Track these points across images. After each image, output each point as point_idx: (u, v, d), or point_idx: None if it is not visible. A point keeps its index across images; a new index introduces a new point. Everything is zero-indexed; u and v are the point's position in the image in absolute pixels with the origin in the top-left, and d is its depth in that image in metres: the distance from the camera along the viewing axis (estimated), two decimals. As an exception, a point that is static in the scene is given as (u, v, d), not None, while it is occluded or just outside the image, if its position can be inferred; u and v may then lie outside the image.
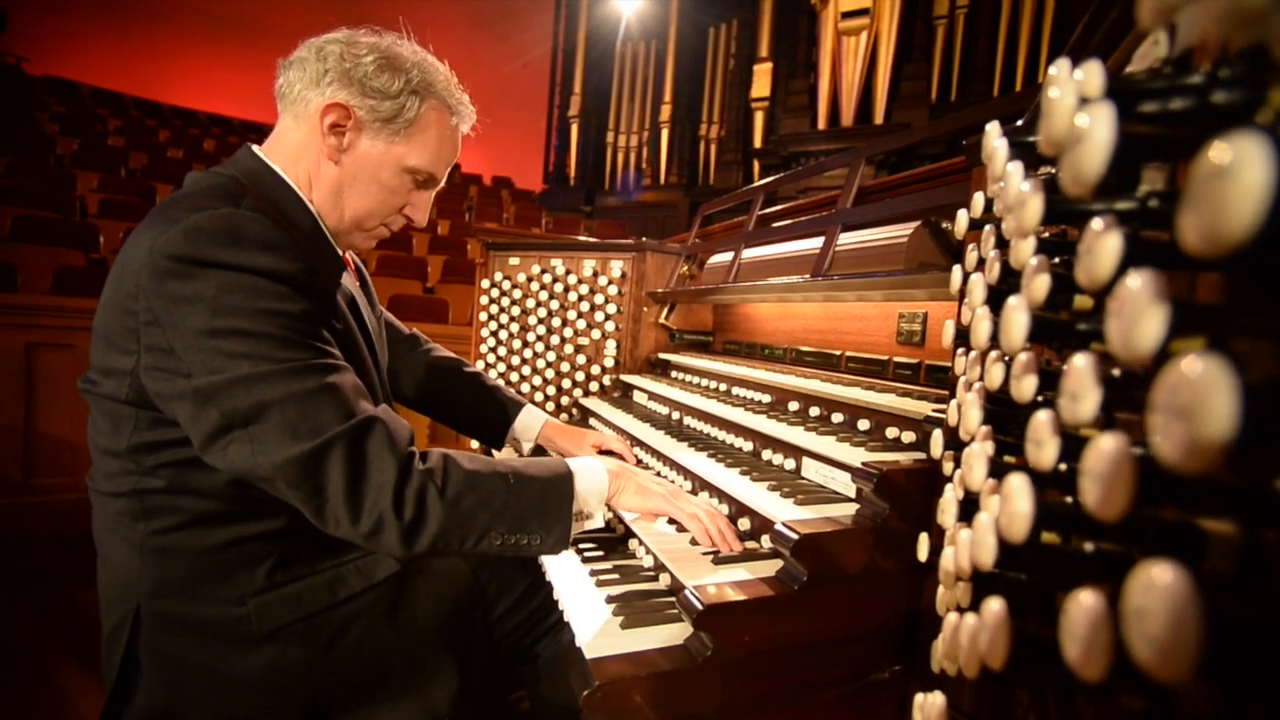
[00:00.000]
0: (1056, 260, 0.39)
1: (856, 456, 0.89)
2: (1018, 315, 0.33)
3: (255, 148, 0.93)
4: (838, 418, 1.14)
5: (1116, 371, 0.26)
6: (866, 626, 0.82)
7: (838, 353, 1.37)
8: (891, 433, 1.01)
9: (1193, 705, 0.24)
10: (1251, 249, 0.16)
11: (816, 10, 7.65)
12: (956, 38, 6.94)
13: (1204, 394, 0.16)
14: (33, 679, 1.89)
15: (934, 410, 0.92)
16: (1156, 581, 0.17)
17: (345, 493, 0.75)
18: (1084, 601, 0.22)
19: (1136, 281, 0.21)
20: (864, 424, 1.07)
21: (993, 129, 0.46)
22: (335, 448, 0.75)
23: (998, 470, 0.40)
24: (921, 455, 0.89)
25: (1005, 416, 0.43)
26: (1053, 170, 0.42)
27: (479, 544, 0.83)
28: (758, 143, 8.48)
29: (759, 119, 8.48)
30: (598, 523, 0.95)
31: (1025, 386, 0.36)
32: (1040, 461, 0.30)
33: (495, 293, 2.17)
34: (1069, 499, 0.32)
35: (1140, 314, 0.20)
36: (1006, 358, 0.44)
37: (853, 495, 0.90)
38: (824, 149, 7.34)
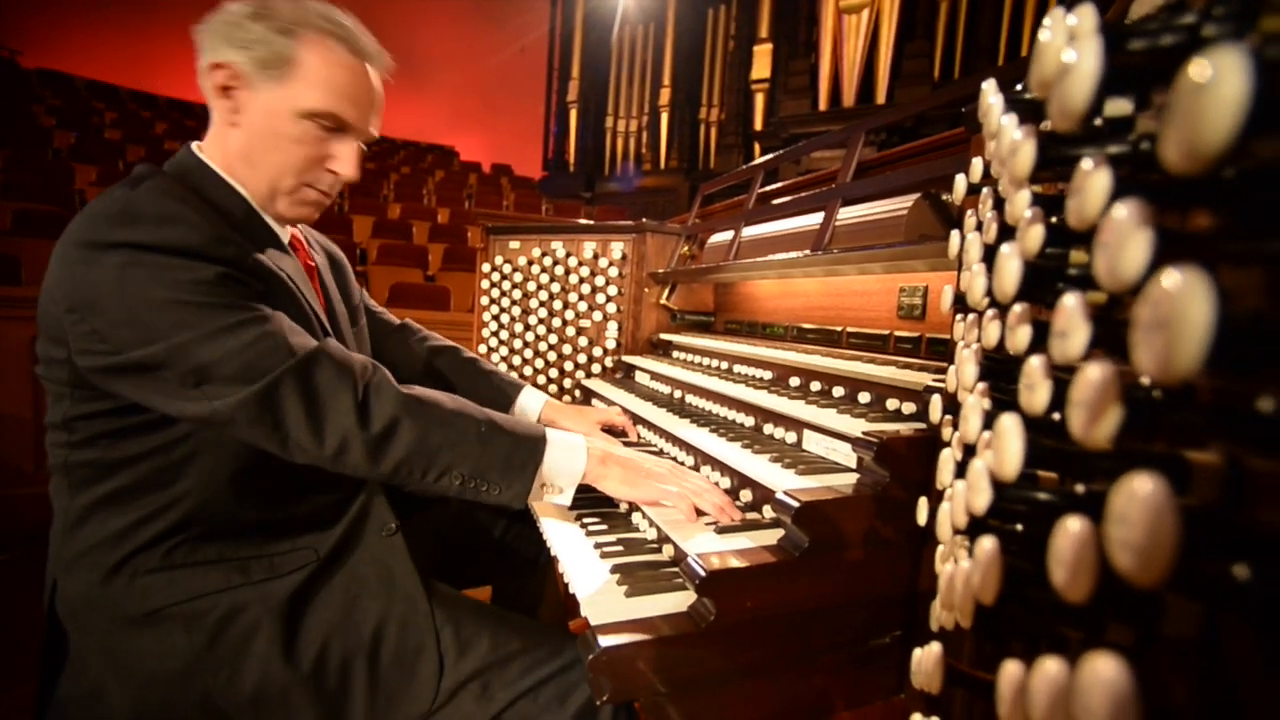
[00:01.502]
0: (1053, 220, 0.39)
1: (857, 427, 0.90)
2: (1011, 263, 0.33)
3: (193, 144, 0.95)
4: (839, 391, 1.14)
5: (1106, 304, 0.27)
6: (867, 593, 0.83)
7: (839, 329, 1.38)
8: (892, 404, 1.01)
9: (1175, 627, 0.24)
10: (1230, 158, 0.16)
11: (817, -12, 7.53)
12: (960, 15, 6.83)
13: (1182, 303, 0.16)
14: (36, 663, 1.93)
15: (934, 380, 0.92)
16: (1137, 490, 0.18)
17: (305, 420, 0.78)
18: (1070, 526, 0.23)
19: (1122, 210, 0.22)
20: (865, 397, 1.08)
21: (988, 86, 0.46)
22: (285, 382, 0.78)
23: (993, 422, 0.41)
24: (922, 425, 0.90)
25: (1001, 372, 0.44)
26: (1048, 125, 0.42)
27: (440, 480, 0.85)
28: (758, 125, 8.40)
29: (759, 101, 8.40)
30: (565, 500, 0.97)
31: (1020, 337, 0.37)
32: (1033, 405, 0.31)
33: (496, 276, 2.17)
34: (1062, 448, 0.32)
35: (1126, 240, 0.21)
36: (1002, 315, 0.44)
37: (854, 465, 0.91)
38: (825, 130, 7.27)
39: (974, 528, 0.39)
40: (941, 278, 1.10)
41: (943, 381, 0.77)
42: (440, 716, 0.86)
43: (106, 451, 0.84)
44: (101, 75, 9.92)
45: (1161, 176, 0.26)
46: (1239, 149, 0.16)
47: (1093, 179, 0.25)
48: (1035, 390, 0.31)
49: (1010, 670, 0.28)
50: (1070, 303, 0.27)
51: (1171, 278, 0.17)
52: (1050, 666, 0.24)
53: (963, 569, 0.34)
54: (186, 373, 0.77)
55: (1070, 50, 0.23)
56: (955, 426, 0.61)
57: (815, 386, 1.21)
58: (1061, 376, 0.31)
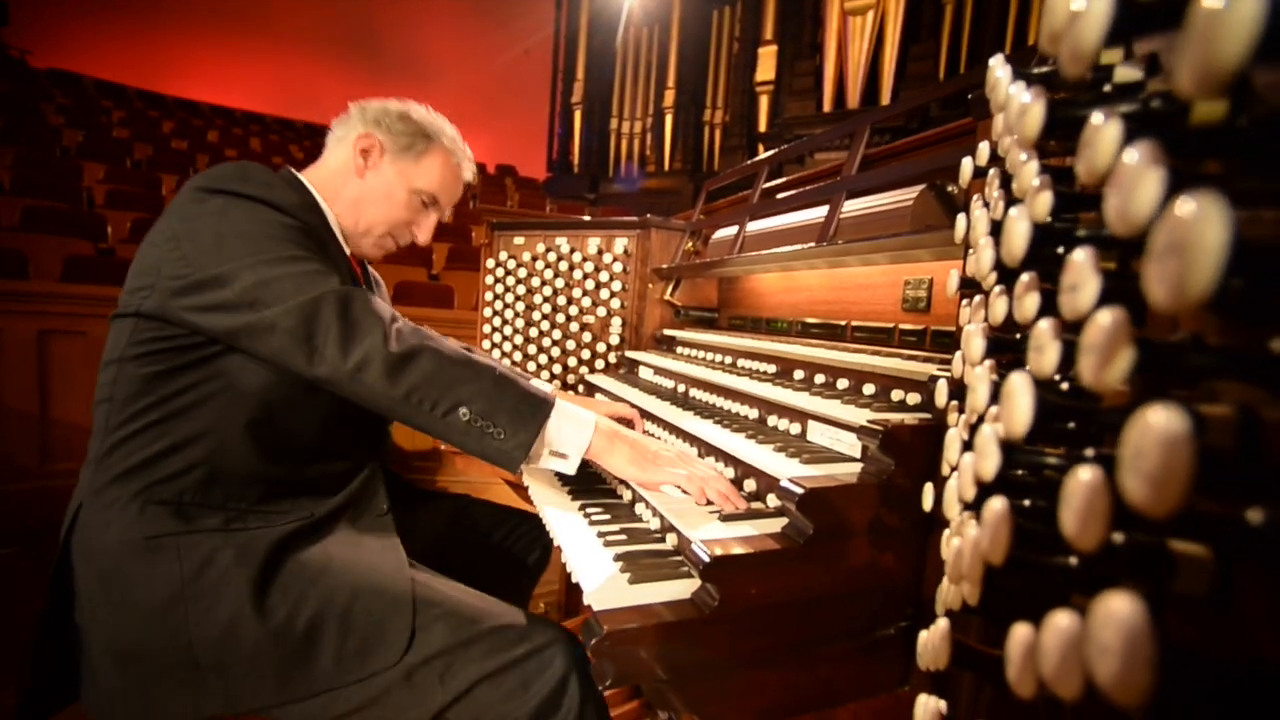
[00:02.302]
0: (1061, 189, 0.39)
1: (862, 417, 0.90)
2: (1020, 224, 0.33)
3: (290, 170, 1.13)
4: (843, 383, 1.14)
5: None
6: (872, 583, 0.83)
7: (843, 323, 1.37)
8: (897, 395, 1.01)
9: (1186, 584, 0.24)
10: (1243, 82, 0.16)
11: (822, -10, 7.53)
12: (965, 17, 6.83)
13: (1196, 226, 0.16)
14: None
15: (939, 370, 0.92)
16: (1153, 424, 0.17)
17: (338, 333, 0.87)
18: (1082, 475, 0.23)
19: (1133, 154, 0.22)
20: (869, 388, 1.07)
21: (996, 61, 0.46)
22: (327, 299, 0.89)
23: (1000, 392, 0.40)
24: (927, 415, 0.90)
25: (1007, 346, 0.43)
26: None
27: (450, 412, 0.90)
28: (763, 127, 8.40)
29: (764, 103, 8.40)
30: (570, 468, 0.99)
31: (1027, 305, 0.36)
32: (1042, 366, 0.31)
33: (500, 272, 2.18)
34: (1071, 406, 0.32)
35: (1137, 180, 0.20)
36: (1009, 290, 0.44)
37: (858, 455, 0.91)
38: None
39: (981, 499, 0.39)
40: (946, 268, 1.10)
41: (948, 371, 0.77)
42: (401, 691, 0.86)
43: (145, 388, 0.93)
44: (110, 75, 10.00)
45: (1172, 128, 0.26)
46: (1252, 70, 0.16)
47: (1104, 130, 0.25)
48: (1044, 352, 0.31)
49: (1020, 632, 0.28)
50: (1080, 257, 0.27)
51: (1186, 205, 0.17)
52: (1061, 619, 0.24)
53: (971, 536, 0.33)
54: (245, 288, 0.88)
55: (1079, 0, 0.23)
56: (961, 410, 0.61)
57: (819, 379, 1.20)
58: (1069, 339, 0.31)
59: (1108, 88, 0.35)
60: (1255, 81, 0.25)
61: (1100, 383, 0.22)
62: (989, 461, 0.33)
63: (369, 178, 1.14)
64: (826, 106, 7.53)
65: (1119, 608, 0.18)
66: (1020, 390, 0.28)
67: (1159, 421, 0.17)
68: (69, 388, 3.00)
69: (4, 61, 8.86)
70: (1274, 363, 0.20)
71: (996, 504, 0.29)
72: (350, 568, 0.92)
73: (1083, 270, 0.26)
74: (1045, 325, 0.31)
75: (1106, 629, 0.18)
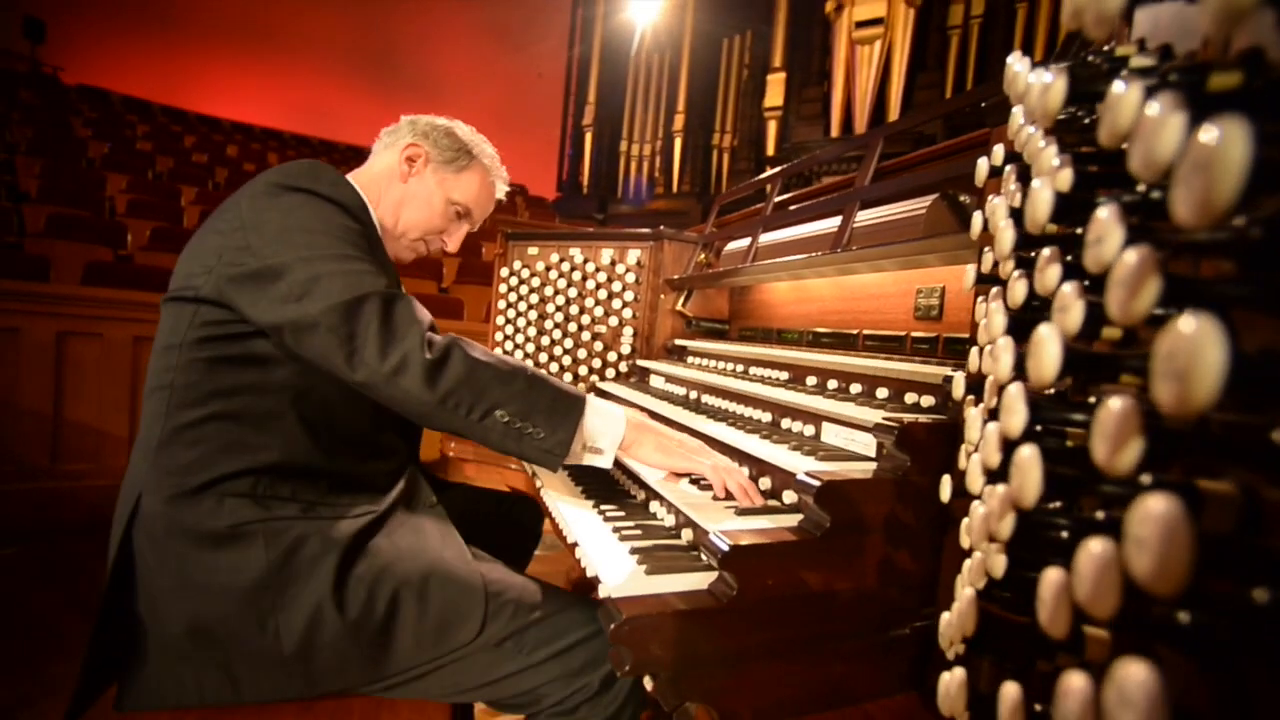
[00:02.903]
0: (1080, 168, 0.41)
1: (876, 416, 0.91)
2: (1043, 193, 0.35)
3: (332, 169, 1.17)
4: (856, 388, 1.15)
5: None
6: (888, 580, 0.83)
7: (854, 332, 1.39)
8: (910, 398, 1.02)
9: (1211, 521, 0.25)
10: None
11: (830, 20, 7.72)
12: (971, 47, 6.97)
13: (1221, 145, 0.18)
14: (55, 656, 1.93)
15: (953, 371, 0.93)
16: (1183, 329, 0.19)
17: (377, 335, 0.89)
18: (1113, 403, 0.24)
19: (1155, 105, 0.24)
20: (882, 392, 1.09)
21: (1014, 58, 0.49)
22: (371, 300, 0.90)
23: (1023, 367, 0.42)
24: (942, 416, 0.91)
25: (1028, 323, 0.45)
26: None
27: (487, 416, 0.92)
28: (771, 151, 8.53)
29: (772, 128, 8.55)
30: (606, 462, 1.01)
31: (1050, 276, 0.38)
32: (1066, 324, 0.32)
33: (514, 281, 2.21)
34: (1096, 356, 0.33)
35: (1161, 126, 0.22)
36: (1028, 274, 0.46)
37: (873, 455, 0.92)
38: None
39: (1006, 465, 0.40)
40: (958, 275, 1.12)
41: (964, 371, 0.78)
42: (477, 660, 0.91)
43: (207, 376, 0.94)
44: (136, 91, 10.29)
45: (1191, 94, 0.28)
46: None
47: (1127, 94, 0.27)
48: (1069, 311, 0.32)
49: (1051, 575, 0.29)
50: (1105, 212, 0.28)
51: (1209, 131, 0.19)
52: (1095, 543, 0.25)
53: (999, 490, 0.35)
54: (298, 281, 0.90)
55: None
56: (978, 404, 0.62)
57: (832, 385, 1.22)
58: (1092, 300, 0.33)
59: (1124, 73, 0.37)
60: (1268, 54, 0.28)
61: (1129, 315, 0.24)
62: (1016, 418, 0.34)
63: (412, 183, 1.20)
64: (834, 131, 7.66)
65: (1155, 505, 0.19)
66: (1049, 339, 0.30)
67: (1189, 327, 0.19)
68: (82, 389, 3.03)
69: (37, 78, 9.16)
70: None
71: (1026, 450, 0.31)
72: (419, 555, 0.96)
73: (1108, 223, 0.28)
74: (1069, 288, 0.33)
75: (1145, 525, 0.19)
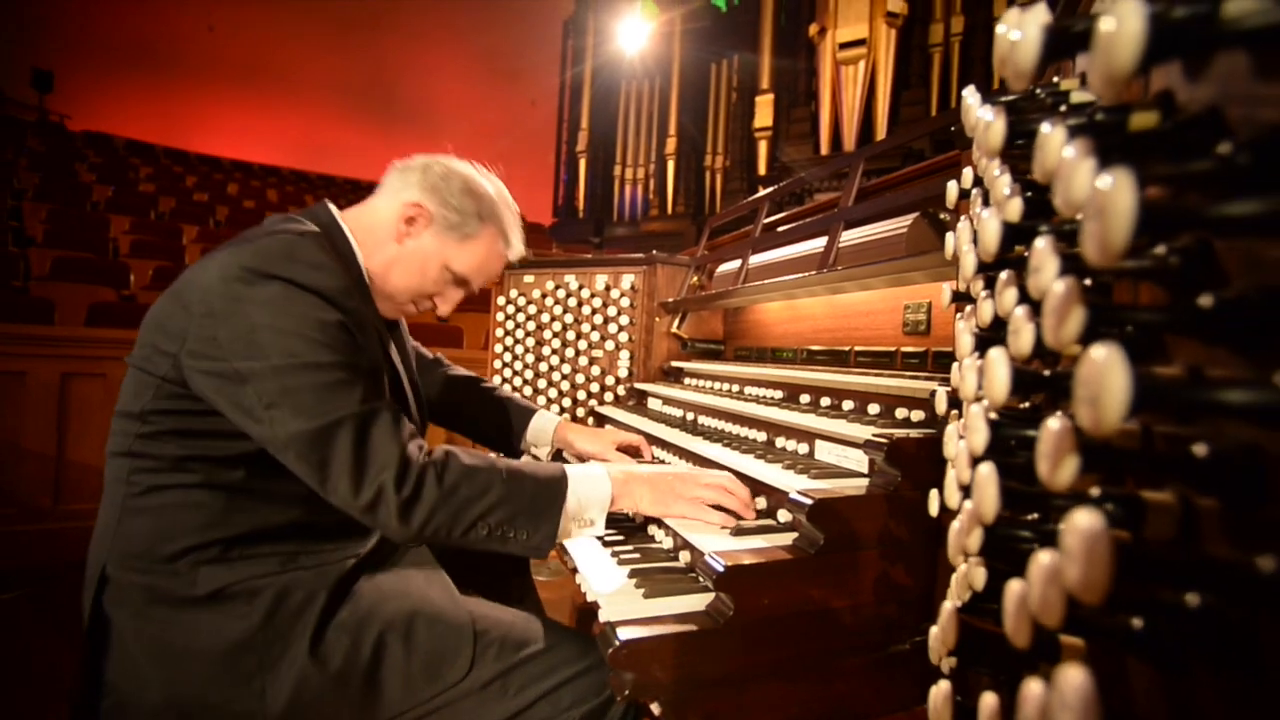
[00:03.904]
0: (1029, 195, 0.44)
1: (867, 432, 0.92)
2: (991, 224, 0.38)
3: (331, 205, 1.10)
4: (848, 405, 1.17)
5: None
6: (886, 595, 0.84)
7: (847, 349, 1.41)
8: (901, 413, 1.04)
9: (1153, 529, 0.27)
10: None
11: (815, 43, 7.91)
12: (953, 64, 7.12)
13: (1111, 194, 0.20)
14: (58, 699, 1.91)
15: (940, 386, 0.95)
16: (1094, 357, 0.21)
17: (350, 467, 0.84)
18: (1050, 424, 0.26)
19: (1070, 150, 0.26)
20: (874, 408, 1.10)
21: (968, 91, 0.51)
22: (344, 426, 0.84)
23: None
24: (931, 430, 0.92)
25: (995, 342, 0.47)
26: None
27: (468, 533, 0.88)
28: (762, 170, 8.65)
29: (763, 148, 8.68)
30: (598, 531, 0.98)
31: (1007, 299, 0.40)
32: (1019, 346, 0.35)
33: (511, 309, 2.24)
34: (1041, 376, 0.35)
35: (1075, 169, 0.25)
36: (993, 294, 0.48)
37: (865, 470, 0.93)
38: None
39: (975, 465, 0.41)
40: (942, 290, 1.14)
41: (949, 385, 0.80)
42: (465, 704, 0.89)
43: (171, 446, 0.90)
44: (139, 134, 10.53)
45: (1115, 135, 0.30)
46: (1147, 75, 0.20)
47: (1052, 135, 0.30)
48: (1020, 334, 0.34)
49: (1013, 586, 0.31)
50: (1041, 244, 0.31)
51: (1103, 179, 0.21)
52: (1043, 555, 0.27)
53: (967, 506, 0.36)
54: (267, 392, 0.84)
55: (1015, 31, 0.28)
56: (962, 415, 0.64)
57: (825, 402, 1.23)
58: (1041, 323, 0.35)
59: (1064, 107, 0.40)
60: (1177, 97, 0.30)
61: (1059, 340, 0.26)
62: (978, 436, 0.36)
63: (408, 244, 1.08)
64: (823, 149, 7.78)
65: (1080, 519, 0.21)
66: (998, 362, 0.32)
67: (1099, 355, 0.21)
68: (86, 429, 3.05)
69: (45, 125, 9.38)
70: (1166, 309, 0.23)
71: (984, 468, 0.32)
72: (404, 595, 0.94)
73: (1044, 253, 0.30)
74: (1020, 311, 0.35)
75: (1072, 537, 0.21)
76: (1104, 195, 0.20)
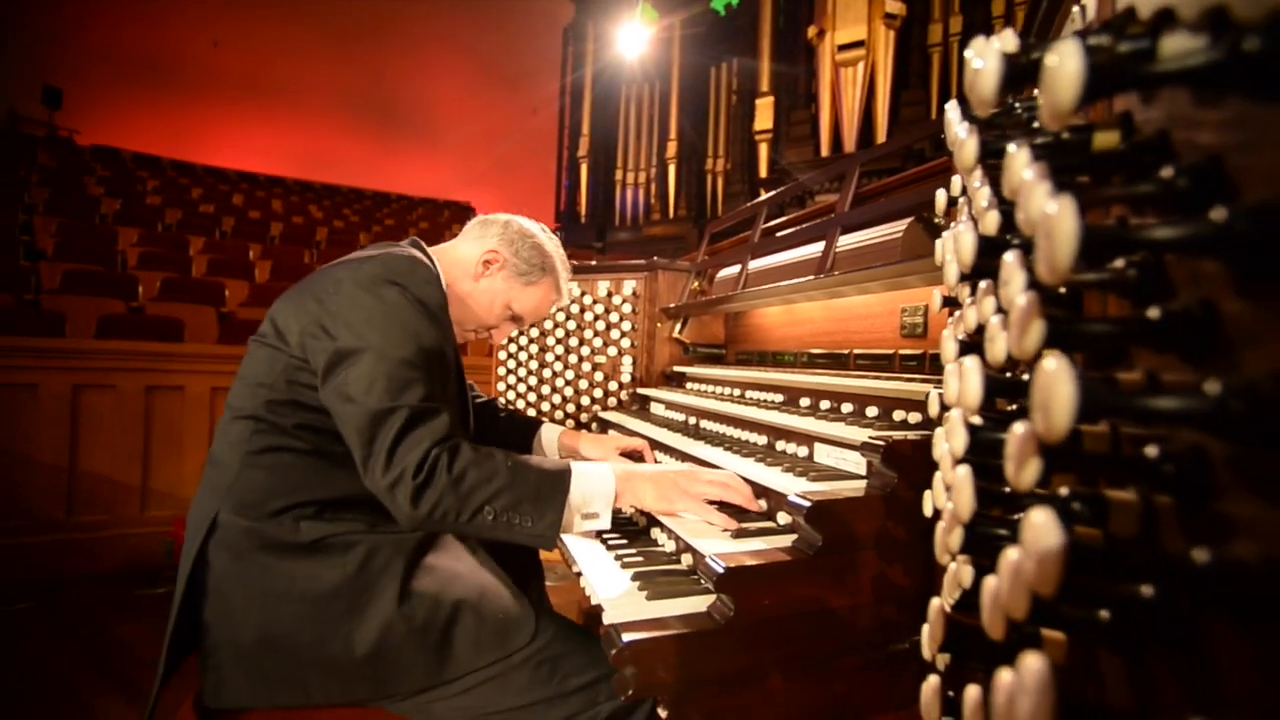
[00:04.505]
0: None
1: (864, 435, 0.94)
2: (967, 236, 0.39)
3: (420, 241, 1.28)
4: (847, 407, 1.18)
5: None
6: (884, 595, 0.85)
7: (846, 352, 1.43)
8: (899, 416, 1.05)
9: (1118, 525, 0.29)
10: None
11: (814, 45, 7.94)
12: (952, 63, 7.14)
13: (1056, 219, 0.22)
14: (72, 712, 1.94)
15: (936, 389, 0.97)
16: (1046, 367, 0.23)
17: (388, 448, 0.95)
18: (1016, 428, 0.28)
19: (1029, 172, 0.28)
20: (872, 410, 1.12)
21: (950, 105, 0.53)
22: (399, 413, 0.96)
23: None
24: (928, 432, 0.94)
25: (973, 347, 0.49)
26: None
27: (474, 518, 0.96)
28: (763, 173, 8.69)
29: (763, 150, 8.72)
30: (605, 523, 1.04)
31: (986, 307, 0.42)
32: (994, 354, 0.36)
33: (514, 316, 2.27)
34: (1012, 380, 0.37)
35: (1032, 190, 0.27)
36: (977, 303, 0.50)
37: (863, 472, 0.94)
38: (828, 175, 7.51)
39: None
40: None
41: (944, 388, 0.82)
42: (517, 677, 0.98)
43: (291, 414, 1.04)
44: (146, 147, 10.65)
45: (1079, 154, 0.32)
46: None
47: (1017, 155, 0.31)
48: (995, 341, 0.36)
49: (989, 582, 0.33)
50: (1010, 257, 0.33)
51: (1049, 204, 0.23)
52: (1010, 552, 0.28)
53: (948, 506, 0.38)
54: (356, 365, 0.98)
55: (978, 60, 0.30)
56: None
57: (825, 405, 1.25)
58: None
59: (1036, 124, 0.42)
60: (1135, 119, 0.32)
61: (1021, 351, 0.27)
62: (958, 440, 0.38)
63: (482, 283, 1.30)
64: (824, 151, 7.80)
65: (1034, 517, 0.23)
66: (971, 370, 0.34)
67: (1049, 365, 0.23)
68: (96, 440, 3.09)
69: (54, 141, 9.52)
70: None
71: (961, 469, 0.34)
72: (474, 573, 1.06)
73: (1012, 267, 0.32)
74: (995, 320, 0.37)
75: (1028, 533, 0.23)
76: (1050, 220, 0.22)
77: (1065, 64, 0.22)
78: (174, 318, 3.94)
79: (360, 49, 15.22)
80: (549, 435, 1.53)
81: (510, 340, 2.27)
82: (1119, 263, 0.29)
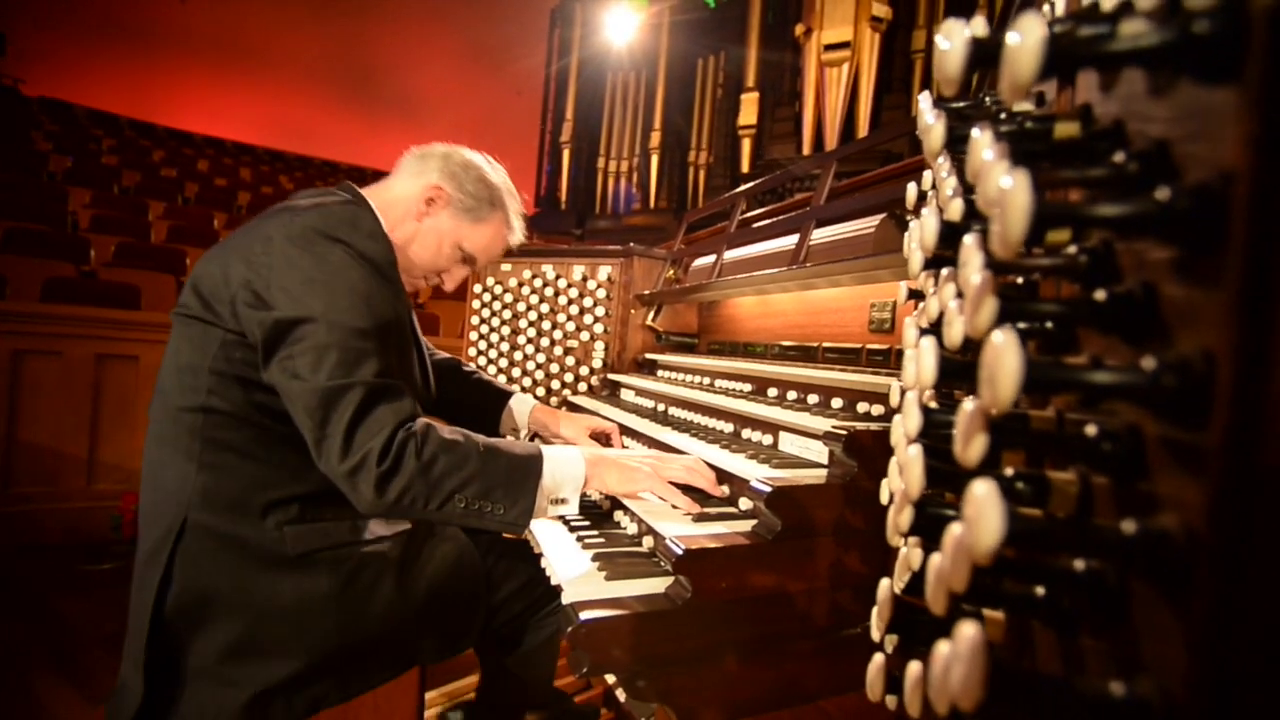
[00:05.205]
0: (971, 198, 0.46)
1: (827, 424, 0.95)
2: (930, 221, 0.40)
3: (354, 186, 1.18)
4: (813, 398, 1.20)
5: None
6: (840, 581, 0.87)
7: (815, 345, 1.44)
8: (863, 408, 1.07)
9: (1057, 506, 0.30)
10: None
11: (800, 43, 7.97)
12: (932, 72, 7.26)
13: (1010, 193, 0.22)
14: (12, 691, 1.86)
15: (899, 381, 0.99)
16: (994, 341, 0.23)
17: (344, 431, 0.88)
18: (965, 406, 0.28)
19: (988, 153, 0.28)
20: (837, 402, 1.14)
21: (923, 96, 0.54)
22: (354, 391, 0.89)
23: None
24: (889, 424, 0.96)
25: (932, 334, 0.50)
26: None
27: (444, 506, 0.91)
28: (745, 168, 8.71)
29: (746, 145, 8.72)
30: (573, 509, 1.02)
31: (947, 293, 0.43)
32: (951, 337, 0.37)
33: (487, 297, 2.23)
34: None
35: (991, 170, 0.27)
36: (936, 291, 0.51)
37: (825, 461, 0.96)
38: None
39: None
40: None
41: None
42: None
43: (245, 398, 0.95)
44: (102, 104, 10.12)
45: (1041, 141, 0.33)
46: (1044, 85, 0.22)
47: (980, 139, 0.32)
48: (953, 325, 0.37)
49: (934, 559, 0.33)
50: (970, 239, 0.33)
51: (1005, 179, 0.23)
52: (955, 527, 0.29)
53: (898, 486, 0.39)
54: (300, 340, 0.90)
55: (944, 41, 0.30)
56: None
57: (792, 395, 1.26)
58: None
59: (1004, 115, 0.42)
60: (1094, 110, 0.33)
61: (974, 328, 0.28)
62: (912, 421, 0.38)
63: (426, 223, 1.17)
64: (806, 149, 7.85)
65: (975, 489, 0.23)
66: (927, 350, 0.34)
67: (997, 339, 0.23)
68: (40, 409, 2.95)
69: (-4, 88, 8.95)
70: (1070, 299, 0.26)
71: (912, 448, 0.35)
72: (445, 556, 1.13)
73: (970, 249, 0.32)
74: (954, 304, 0.38)
75: (971, 504, 0.23)
76: (1005, 193, 0.23)
77: (1027, 37, 0.22)
78: (129, 284, 3.77)
79: (341, 19, 14.69)
80: (520, 407, 1.50)
81: (481, 321, 2.24)
82: (1071, 249, 0.30)
